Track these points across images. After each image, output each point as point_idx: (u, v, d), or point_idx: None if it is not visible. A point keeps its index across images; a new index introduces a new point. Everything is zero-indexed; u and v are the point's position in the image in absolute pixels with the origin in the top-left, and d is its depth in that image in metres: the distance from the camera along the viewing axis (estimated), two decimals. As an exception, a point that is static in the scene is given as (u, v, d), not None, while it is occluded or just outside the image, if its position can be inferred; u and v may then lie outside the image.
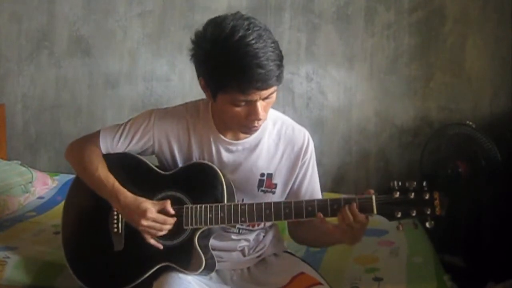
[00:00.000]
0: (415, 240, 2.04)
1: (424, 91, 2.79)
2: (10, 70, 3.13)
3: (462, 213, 2.26)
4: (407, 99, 2.80)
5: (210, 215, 1.45)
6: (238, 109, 1.38)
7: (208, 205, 1.45)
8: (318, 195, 1.60)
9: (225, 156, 1.54)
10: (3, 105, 3.10)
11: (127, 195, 1.48)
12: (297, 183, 1.59)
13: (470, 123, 2.40)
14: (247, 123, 1.42)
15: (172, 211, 1.47)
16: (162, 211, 1.46)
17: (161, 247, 1.48)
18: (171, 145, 1.56)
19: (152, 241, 1.47)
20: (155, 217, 1.45)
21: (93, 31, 3.03)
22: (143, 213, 1.44)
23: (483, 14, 2.70)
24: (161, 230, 1.46)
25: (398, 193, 1.36)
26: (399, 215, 1.35)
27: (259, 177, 1.55)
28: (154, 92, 3.01)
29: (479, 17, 2.70)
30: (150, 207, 1.45)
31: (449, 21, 2.73)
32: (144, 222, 1.44)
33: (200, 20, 2.85)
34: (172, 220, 1.46)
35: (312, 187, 1.60)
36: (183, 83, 2.97)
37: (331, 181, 2.88)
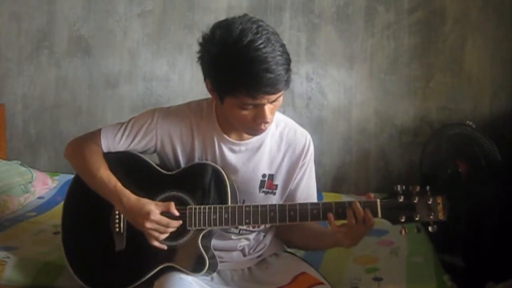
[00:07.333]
0: (415, 240, 2.03)
1: (424, 91, 2.79)
2: (10, 70, 3.13)
3: (462, 213, 2.25)
4: (407, 99, 2.80)
5: (214, 216, 1.44)
6: (245, 112, 1.38)
7: (212, 206, 1.45)
8: (313, 199, 1.60)
9: (228, 156, 1.53)
10: (3, 105, 3.09)
11: (130, 197, 1.47)
12: (294, 185, 1.59)
13: (470, 123, 2.40)
14: (254, 126, 1.41)
15: (176, 213, 1.46)
16: (166, 213, 1.45)
17: (165, 247, 1.47)
18: (174, 144, 1.55)
19: (156, 244, 1.46)
20: (158, 220, 1.44)
21: (93, 31, 3.03)
22: (146, 216, 1.43)
23: (483, 14, 2.70)
24: (164, 232, 1.45)
25: (402, 197, 1.37)
26: (403, 220, 1.37)
27: (260, 178, 1.55)
28: (154, 92, 3.01)
29: (479, 17, 2.70)
30: (154, 209, 1.44)
31: (449, 21, 2.73)
32: (148, 225, 1.43)
33: (200, 20, 2.86)
34: (176, 223, 1.45)
35: (307, 191, 1.60)
36: (183, 83, 2.96)
37: (331, 181, 2.88)
